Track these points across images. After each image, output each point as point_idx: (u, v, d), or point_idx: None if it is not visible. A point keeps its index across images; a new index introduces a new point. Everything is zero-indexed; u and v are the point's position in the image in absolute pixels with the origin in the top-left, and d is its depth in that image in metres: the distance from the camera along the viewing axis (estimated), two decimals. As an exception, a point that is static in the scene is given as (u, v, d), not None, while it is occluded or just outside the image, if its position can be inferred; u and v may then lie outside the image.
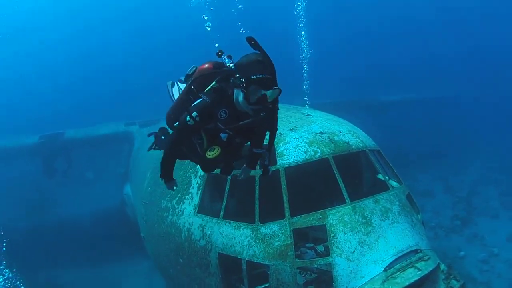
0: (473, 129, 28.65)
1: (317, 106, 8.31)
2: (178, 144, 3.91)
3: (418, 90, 30.63)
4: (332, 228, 4.97)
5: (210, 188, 6.14)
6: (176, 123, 3.95)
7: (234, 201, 5.94)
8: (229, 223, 5.45)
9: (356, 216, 5.07)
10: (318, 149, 5.59)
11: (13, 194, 18.24)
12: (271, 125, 3.97)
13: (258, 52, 3.44)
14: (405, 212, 5.54)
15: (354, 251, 4.83)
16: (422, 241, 5.37)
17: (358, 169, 6.76)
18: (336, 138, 5.90)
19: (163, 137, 5.02)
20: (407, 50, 56.50)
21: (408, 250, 5.04)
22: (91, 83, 49.96)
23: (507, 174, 20.00)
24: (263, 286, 5.42)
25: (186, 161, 4.52)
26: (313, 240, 5.81)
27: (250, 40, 3.55)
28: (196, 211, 5.95)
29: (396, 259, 4.87)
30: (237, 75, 3.35)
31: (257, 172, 5.40)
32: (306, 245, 5.60)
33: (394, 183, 6.06)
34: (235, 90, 3.49)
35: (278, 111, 3.91)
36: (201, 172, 6.15)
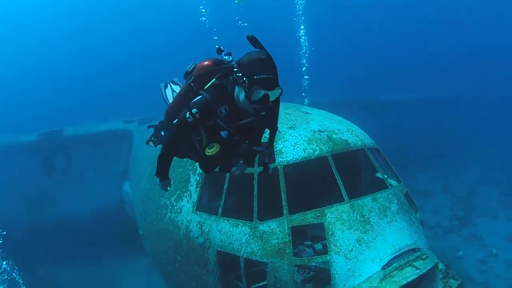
0: (473, 129, 28.62)
1: (317, 105, 8.30)
2: (176, 140, 3.89)
3: (418, 90, 30.60)
4: (330, 226, 4.97)
5: (209, 185, 6.14)
6: (175, 121, 3.94)
7: (232, 198, 5.95)
8: (228, 220, 5.45)
9: (354, 214, 5.07)
10: (316, 147, 5.58)
11: (11, 192, 18.20)
12: (271, 123, 3.98)
13: (261, 50, 3.42)
14: (404, 211, 5.54)
15: (352, 249, 4.83)
16: (420, 240, 5.37)
17: (356, 167, 6.77)
18: (334, 136, 5.90)
19: (162, 133, 5.01)
20: (407, 50, 56.48)
21: (406, 249, 5.04)
22: (91, 81, 49.94)
23: (506, 174, 19.98)
24: (261, 284, 5.43)
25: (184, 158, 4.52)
26: (311, 238, 5.82)
27: (251, 38, 3.54)
28: (194, 208, 5.94)
29: (394, 258, 4.87)
30: (240, 74, 3.33)
31: (255, 169, 5.41)
32: (304, 243, 5.61)
33: (392, 182, 6.06)
34: (236, 88, 3.47)
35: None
36: (199, 170, 6.14)
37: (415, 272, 4.75)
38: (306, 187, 6.05)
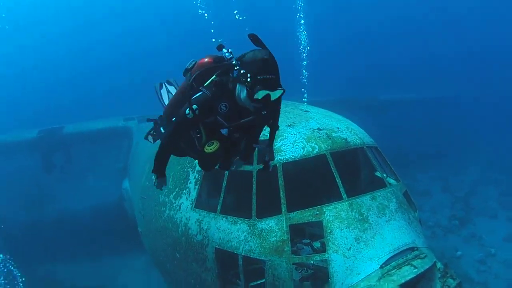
0: (473, 129, 28.62)
1: (316, 104, 8.29)
2: (176, 137, 3.89)
3: (418, 90, 30.62)
4: (329, 224, 4.96)
5: (208, 183, 6.14)
6: (174, 118, 3.94)
7: (231, 196, 5.94)
8: (226, 218, 5.44)
9: (353, 213, 5.07)
10: (315, 145, 5.58)
11: (11, 189, 18.21)
12: (272, 122, 3.98)
13: (264, 49, 3.42)
14: (402, 210, 5.53)
15: (350, 247, 4.82)
16: (418, 239, 5.36)
17: (355, 166, 6.76)
18: (334, 134, 5.89)
19: (162, 129, 5.00)
20: (407, 50, 56.50)
21: (405, 248, 5.02)
22: (91, 79, 49.95)
23: (506, 174, 20.00)
24: (259, 282, 5.43)
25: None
26: (310, 236, 5.81)
27: (252, 37, 3.54)
28: (193, 205, 5.94)
29: (392, 257, 4.85)
30: (242, 72, 3.33)
31: (254, 167, 5.41)
32: (303, 241, 5.60)
33: (391, 181, 6.05)
34: (238, 86, 3.47)
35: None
36: (198, 167, 6.13)
37: (413, 271, 4.74)
38: (305, 185, 6.05)
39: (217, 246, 5.41)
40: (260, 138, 4.29)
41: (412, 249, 5.08)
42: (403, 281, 4.58)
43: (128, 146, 14.17)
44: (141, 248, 9.77)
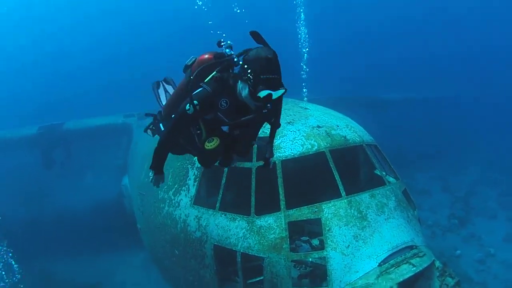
0: (473, 129, 28.60)
1: (316, 102, 8.28)
2: (175, 132, 3.88)
3: (418, 90, 30.59)
4: (327, 222, 4.96)
5: (207, 179, 6.14)
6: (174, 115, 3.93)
7: (230, 193, 5.94)
8: (225, 215, 5.44)
9: (352, 210, 5.06)
10: (315, 143, 5.57)
11: (10, 185, 18.22)
12: (274, 121, 3.98)
13: (267, 48, 3.41)
14: (401, 208, 5.53)
15: (348, 245, 4.82)
16: (417, 237, 5.36)
17: (354, 164, 6.77)
18: (333, 132, 5.89)
19: (161, 125, 4.99)
20: (407, 50, 56.45)
21: (403, 246, 5.02)
22: (91, 75, 49.91)
23: (506, 175, 19.97)
24: (257, 279, 5.42)
25: (183, 153, 4.50)
26: (309, 233, 5.81)
27: (254, 34, 3.53)
28: (192, 202, 5.93)
29: (390, 255, 4.85)
30: (245, 70, 3.32)
31: (253, 164, 5.40)
32: (301, 238, 5.61)
33: (390, 179, 6.05)
34: (239, 83, 3.46)
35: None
36: (198, 164, 6.13)
37: (412, 269, 4.74)
38: (304, 182, 6.05)
39: (215, 243, 5.41)
40: (261, 135, 4.29)
41: (410, 247, 5.08)
42: (401, 279, 4.58)
43: (127, 142, 14.16)
44: (140, 245, 9.77)
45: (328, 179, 5.37)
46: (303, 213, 5.09)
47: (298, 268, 5.30)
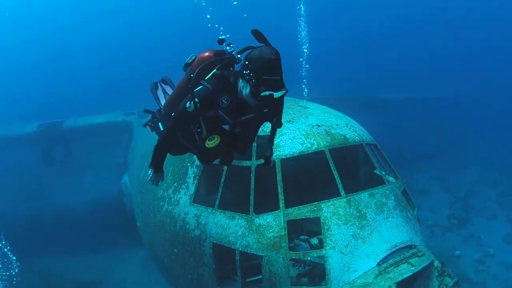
0: (473, 129, 28.59)
1: (317, 100, 8.27)
2: (175, 130, 3.88)
3: (418, 90, 30.58)
4: (326, 221, 4.95)
5: (206, 178, 6.13)
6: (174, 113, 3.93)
7: (229, 191, 5.94)
8: (224, 213, 5.44)
9: (351, 210, 5.06)
10: (314, 141, 5.57)
11: (10, 182, 18.23)
12: (276, 120, 3.99)
13: (271, 48, 3.40)
14: (400, 207, 5.53)
15: (347, 244, 4.82)
16: (416, 237, 5.35)
17: (354, 163, 6.76)
18: (333, 131, 5.88)
19: (160, 124, 4.99)
20: (407, 50, 56.42)
21: (402, 245, 5.01)
22: (91, 73, 49.90)
23: (506, 175, 19.97)
24: (256, 277, 5.42)
25: (182, 151, 4.50)
26: (308, 232, 5.81)
27: (255, 33, 3.53)
28: (191, 200, 5.93)
29: (389, 254, 4.84)
30: (248, 69, 3.32)
31: (253, 162, 5.40)
32: (300, 237, 5.60)
33: (390, 178, 6.04)
34: (240, 81, 3.46)
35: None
36: (197, 162, 6.13)
37: (411, 269, 4.73)
38: (303, 181, 6.04)
39: (214, 241, 5.40)
40: (260, 134, 4.29)
41: (409, 247, 5.07)
42: (400, 279, 4.57)
43: (128, 140, 14.14)
44: (139, 243, 9.78)
45: (327, 178, 5.36)
46: (302, 212, 5.08)
47: (297, 267, 5.30)
